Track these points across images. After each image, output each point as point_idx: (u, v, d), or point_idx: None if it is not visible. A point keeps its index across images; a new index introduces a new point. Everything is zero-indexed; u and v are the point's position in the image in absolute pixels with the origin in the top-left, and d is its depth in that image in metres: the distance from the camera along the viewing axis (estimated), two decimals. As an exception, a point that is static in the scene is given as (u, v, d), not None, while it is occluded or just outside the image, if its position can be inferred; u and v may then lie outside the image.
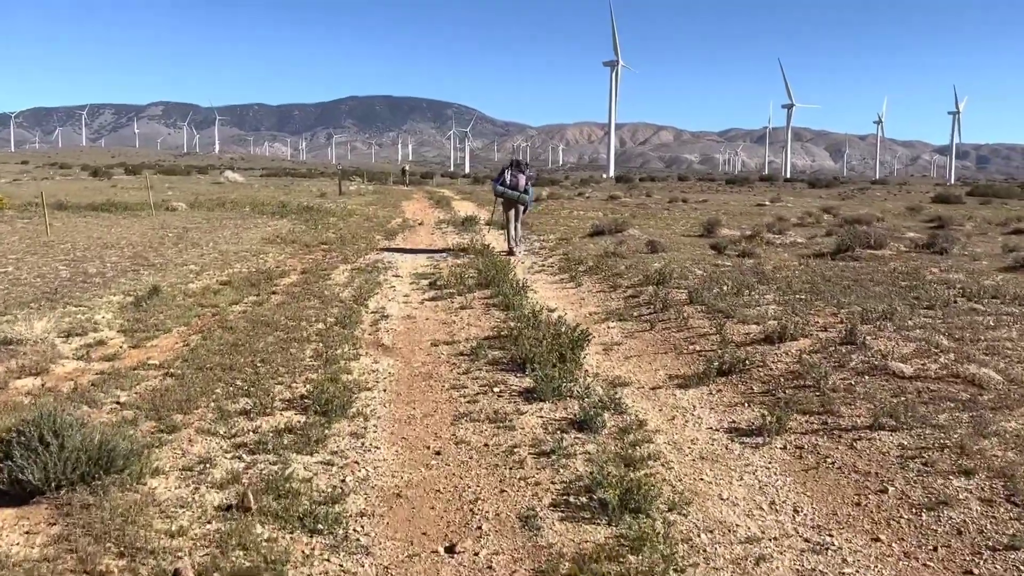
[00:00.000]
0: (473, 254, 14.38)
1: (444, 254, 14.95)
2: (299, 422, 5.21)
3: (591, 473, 4.28)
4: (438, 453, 4.77)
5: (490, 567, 3.51)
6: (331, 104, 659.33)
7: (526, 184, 14.74)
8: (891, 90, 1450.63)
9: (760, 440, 4.80)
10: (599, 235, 17.46)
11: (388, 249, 15.80)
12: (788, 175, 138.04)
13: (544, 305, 9.28)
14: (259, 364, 6.66)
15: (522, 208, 15.00)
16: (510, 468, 4.49)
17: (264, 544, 3.62)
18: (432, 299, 10.06)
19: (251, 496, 3.97)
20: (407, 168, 66.80)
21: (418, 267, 13.13)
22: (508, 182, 14.68)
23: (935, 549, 3.57)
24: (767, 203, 30.55)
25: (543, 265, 13.11)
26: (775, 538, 3.71)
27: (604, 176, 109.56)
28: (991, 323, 7.25)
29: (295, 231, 18.25)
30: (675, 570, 3.41)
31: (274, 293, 10.47)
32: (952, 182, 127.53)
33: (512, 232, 14.94)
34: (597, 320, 8.49)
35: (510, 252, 14.59)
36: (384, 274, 12.29)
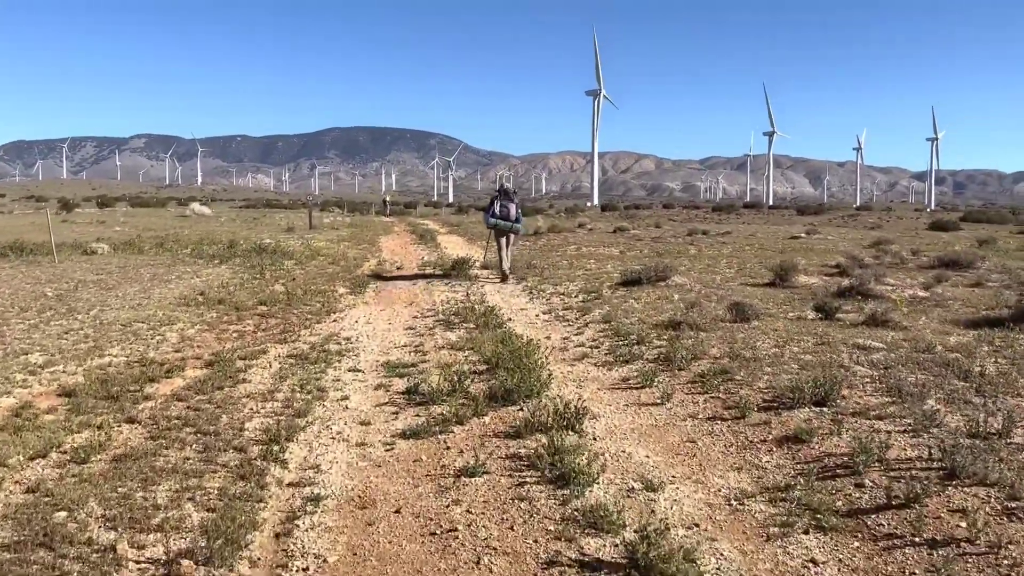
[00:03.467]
0: (474, 322, 9.90)
1: (431, 319, 10.48)
2: None
3: None
4: None
5: None
6: (314, 135, 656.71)
7: (517, 213, 14.74)
8: (868, 117, 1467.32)
9: None
10: (635, 285, 13.09)
11: (353, 309, 11.31)
12: (771, 202, 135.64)
13: (630, 465, 4.77)
14: None
15: (513, 235, 15.03)
16: None
17: None
18: (410, 435, 5.54)
19: None
20: (388, 199, 62.58)
21: (391, 348, 8.62)
22: (500, 212, 14.59)
23: None
24: (803, 235, 26.39)
25: (582, 343, 8.61)
26: None
27: (588, 204, 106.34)
28: None
29: (232, 283, 13.71)
30: None
31: (132, 421, 5.93)
32: (932, 208, 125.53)
33: (504, 258, 14.61)
34: (765, 524, 3.95)
35: (503, 279, 14.38)
36: (336, 365, 7.77)
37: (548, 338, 9.01)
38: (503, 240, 14.58)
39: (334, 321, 10.41)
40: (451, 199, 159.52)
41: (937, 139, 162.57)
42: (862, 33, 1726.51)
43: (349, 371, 7.57)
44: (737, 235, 27.66)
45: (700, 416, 5.66)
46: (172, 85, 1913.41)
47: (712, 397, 6.09)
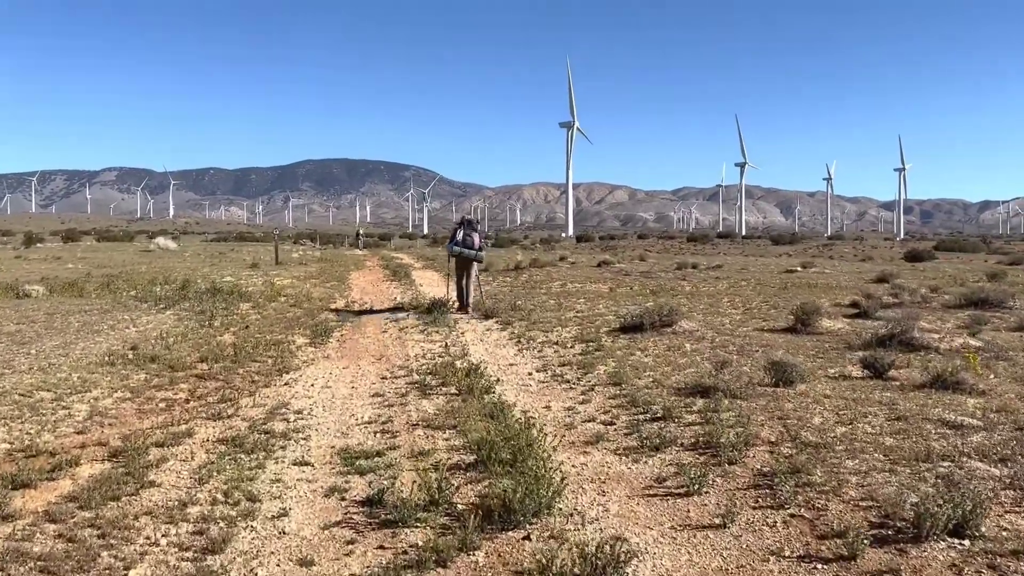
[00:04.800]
0: (456, 385, 8.16)
1: (404, 381, 8.73)
2: None
3: None
4: None
5: None
6: (288, 167, 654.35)
7: (480, 242, 14.50)
8: (836, 147, 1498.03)
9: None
10: (637, 331, 11.49)
11: (311, 366, 9.53)
12: (743, 232, 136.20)
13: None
14: None
15: (476, 265, 14.74)
16: None
17: None
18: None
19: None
20: (361, 232, 60.81)
21: (352, 427, 6.85)
22: (463, 242, 14.28)
23: None
24: (798, 269, 25.06)
25: (592, 417, 6.89)
26: None
27: (563, 235, 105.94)
28: None
29: (173, 333, 11.85)
30: None
31: (-32, 565, 4.11)
32: (901, 237, 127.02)
33: (467, 290, 14.39)
34: None
35: (463, 310, 14.13)
36: (279, 455, 5.99)
37: (548, 408, 7.30)
38: (465, 270, 14.40)
39: (286, 384, 8.62)
40: (426, 230, 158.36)
41: (905, 169, 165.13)
42: (830, 65, 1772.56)
43: (295, 464, 5.78)
44: (728, 269, 26.30)
45: (788, 553, 3.97)
46: (143, 117, 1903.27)
47: (793, 515, 4.41)
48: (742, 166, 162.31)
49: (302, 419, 7.07)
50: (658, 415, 6.67)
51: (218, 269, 26.61)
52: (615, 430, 6.42)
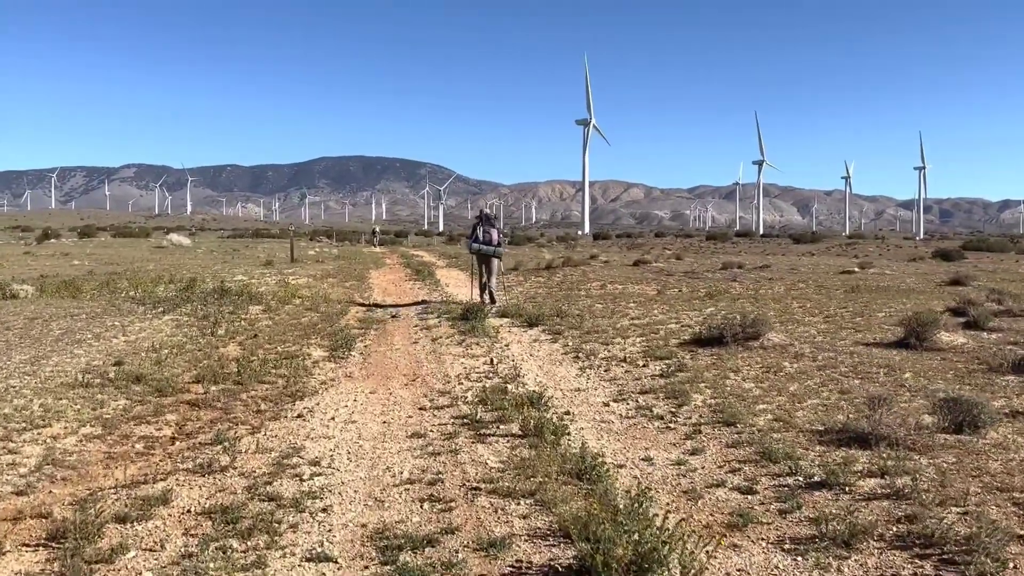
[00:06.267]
0: (517, 422, 6.29)
1: (448, 413, 6.88)
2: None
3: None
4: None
5: None
6: (305, 164, 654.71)
7: (499, 238, 14.44)
8: (854, 145, 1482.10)
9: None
10: (716, 344, 9.63)
11: (330, 389, 7.71)
12: (761, 230, 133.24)
13: None
14: None
15: (496, 261, 14.56)
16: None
17: None
18: None
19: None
20: (377, 230, 59.11)
21: (388, 489, 4.99)
22: (482, 238, 14.19)
23: None
24: (856, 270, 22.98)
25: (718, 479, 4.97)
26: None
27: (579, 233, 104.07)
28: None
29: (168, 344, 10.07)
30: None
31: None
32: (921, 236, 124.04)
33: (490, 285, 14.37)
34: None
35: (489, 302, 13.99)
36: (287, 541, 4.15)
37: (648, 460, 5.41)
38: (486, 266, 14.35)
39: (299, 416, 6.79)
40: (441, 228, 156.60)
41: (924, 167, 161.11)
42: (849, 63, 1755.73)
43: (309, 559, 3.94)
44: (777, 269, 24.28)
45: None
46: (162, 114, 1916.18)
47: None
48: (760, 164, 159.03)
49: (320, 475, 5.23)
50: (814, 478, 4.78)
51: (230, 267, 24.96)
52: (761, 503, 4.53)
